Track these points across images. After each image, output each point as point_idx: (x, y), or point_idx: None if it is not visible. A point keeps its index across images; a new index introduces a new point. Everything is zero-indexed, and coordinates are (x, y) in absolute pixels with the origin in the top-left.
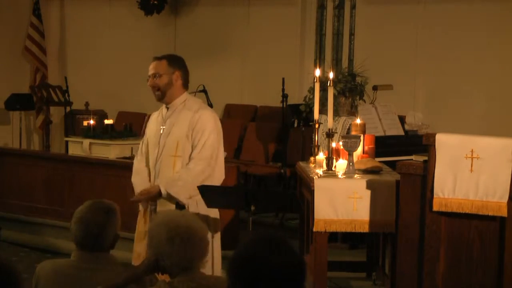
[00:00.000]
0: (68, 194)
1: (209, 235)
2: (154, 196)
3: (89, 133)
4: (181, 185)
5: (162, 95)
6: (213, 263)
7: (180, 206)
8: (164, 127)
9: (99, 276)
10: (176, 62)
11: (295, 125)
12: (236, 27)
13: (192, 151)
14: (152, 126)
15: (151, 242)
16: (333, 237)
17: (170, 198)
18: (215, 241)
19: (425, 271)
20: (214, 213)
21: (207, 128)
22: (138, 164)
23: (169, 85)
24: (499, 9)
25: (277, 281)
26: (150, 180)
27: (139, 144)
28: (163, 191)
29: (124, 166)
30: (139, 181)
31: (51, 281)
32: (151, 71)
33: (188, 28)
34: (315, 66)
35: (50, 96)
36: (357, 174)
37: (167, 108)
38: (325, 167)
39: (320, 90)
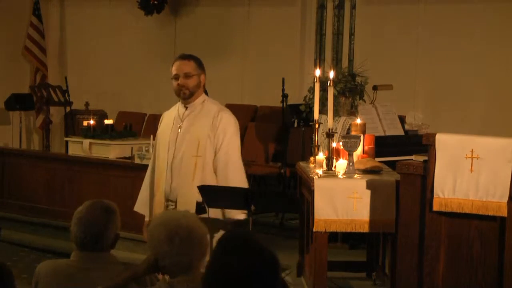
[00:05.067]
0: (68, 194)
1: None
2: None
3: (89, 133)
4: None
5: (190, 95)
6: None
7: (201, 208)
8: (181, 126)
9: (99, 276)
10: (201, 64)
11: (295, 125)
12: (236, 27)
13: (215, 154)
14: (165, 125)
15: (151, 242)
16: (333, 237)
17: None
18: None
19: (425, 271)
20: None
21: (229, 130)
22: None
23: (197, 87)
24: (499, 9)
25: (251, 284)
26: (157, 180)
27: (139, 144)
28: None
29: (124, 166)
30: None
31: (51, 281)
32: (182, 70)
33: (188, 28)
34: (315, 66)
35: (50, 96)
36: (357, 174)
37: (186, 108)
38: (325, 167)
39: (320, 90)
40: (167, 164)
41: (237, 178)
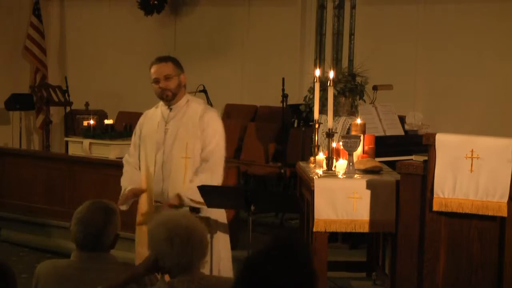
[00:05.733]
0: (68, 194)
1: (219, 238)
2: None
3: (89, 133)
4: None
5: (173, 97)
6: (221, 265)
7: (194, 208)
8: (167, 128)
9: (99, 276)
10: (179, 64)
11: (295, 125)
12: (236, 27)
13: (202, 152)
14: (150, 127)
15: (151, 242)
16: (333, 237)
17: (192, 205)
18: (224, 244)
19: (425, 271)
20: (222, 217)
21: (218, 131)
22: (130, 167)
23: (179, 87)
24: (499, 9)
25: None
26: (146, 181)
27: None
28: (187, 201)
29: None
30: (132, 182)
31: (51, 281)
32: (162, 72)
33: (188, 28)
34: (315, 66)
35: (50, 96)
36: (357, 174)
37: (170, 109)
38: (325, 167)
39: (320, 90)
40: (156, 166)
41: (206, 179)
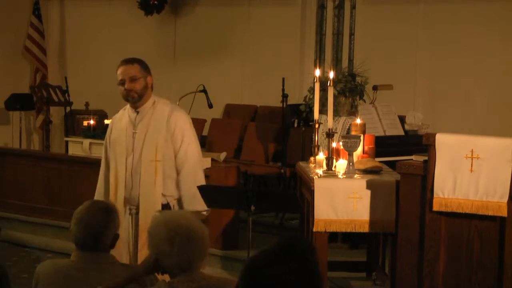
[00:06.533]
0: (68, 194)
1: None
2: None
3: (89, 133)
4: (197, 199)
5: (139, 98)
6: None
7: (166, 207)
8: (136, 131)
9: (99, 276)
10: (146, 66)
11: (295, 125)
12: (236, 27)
13: (175, 156)
14: (119, 131)
15: (151, 241)
16: (333, 237)
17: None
18: None
19: (425, 271)
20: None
21: (187, 132)
22: (102, 183)
23: (145, 89)
24: (499, 8)
25: None
26: (116, 187)
27: None
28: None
29: None
30: None
31: (51, 281)
32: (127, 74)
33: (188, 28)
34: (315, 66)
35: (50, 96)
36: (357, 174)
37: (137, 112)
38: (325, 167)
39: (320, 90)
40: (127, 172)
41: (189, 178)
